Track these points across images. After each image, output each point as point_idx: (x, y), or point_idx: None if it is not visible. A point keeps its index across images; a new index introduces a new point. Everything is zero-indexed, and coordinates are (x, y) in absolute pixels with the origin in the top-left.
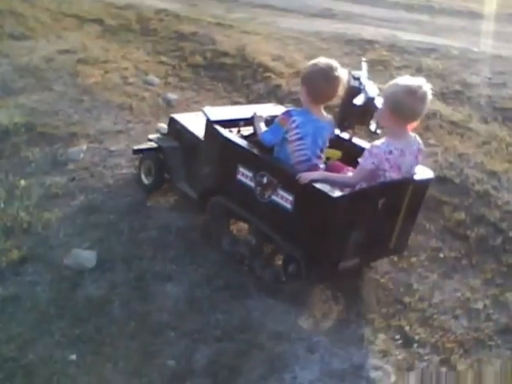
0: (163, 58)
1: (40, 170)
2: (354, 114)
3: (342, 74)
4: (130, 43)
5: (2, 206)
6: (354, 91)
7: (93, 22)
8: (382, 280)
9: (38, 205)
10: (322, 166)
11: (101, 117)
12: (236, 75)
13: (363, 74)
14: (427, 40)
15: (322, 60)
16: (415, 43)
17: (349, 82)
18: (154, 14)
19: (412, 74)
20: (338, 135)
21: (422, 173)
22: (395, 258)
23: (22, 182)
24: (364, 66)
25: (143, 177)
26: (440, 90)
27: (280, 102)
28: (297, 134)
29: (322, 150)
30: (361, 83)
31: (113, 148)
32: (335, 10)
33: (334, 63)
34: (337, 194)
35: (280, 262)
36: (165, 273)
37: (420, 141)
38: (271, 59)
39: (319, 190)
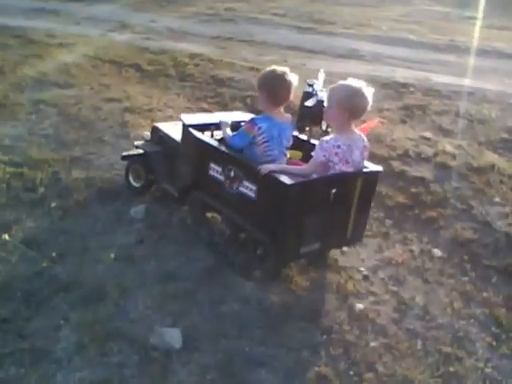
0: (204, 105)
1: (107, 230)
2: (307, 115)
3: (294, 78)
4: (169, 90)
5: (76, 271)
6: (308, 96)
7: (130, 68)
8: (486, 369)
9: (112, 270)
10: (285, 159)
11: None
12: None
13: (318, 82)
14: (460, 82)
15: (276, 68)
16: (449, 86)
17: (304, 88)
18: (188, 59)
19: (453, 120)
20: (297, 137)
21: (370, 167)
22: (494, 342)
23: (93, 244)
24: (321, 76)
25: (132, 180)
26: (487, 139)
27: None
28: (263, 138)
29: (287, 148)
30: (314, 89)
31: (174, 205)
32: (362, 51)
33: (286, 69)
34: (290, 181)
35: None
36: (255, 356)
37: (365, 138)
38: None
39: (276, 178)
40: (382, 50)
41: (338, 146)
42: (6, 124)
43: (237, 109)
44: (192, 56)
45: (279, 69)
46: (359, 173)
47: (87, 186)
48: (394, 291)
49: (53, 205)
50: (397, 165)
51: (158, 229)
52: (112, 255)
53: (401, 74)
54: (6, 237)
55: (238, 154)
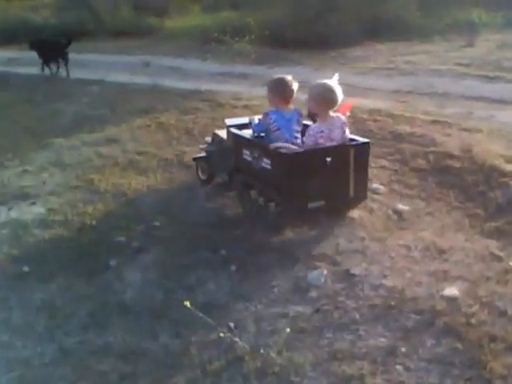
0: (384, 162)
1: (283, 296)
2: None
3: (295, 83)
4: None
5: (252, 341)
6: None
7: None
8: None
9: (287, 342)
10: (299, 141)
11: (334, 233)
12: (466, 181)
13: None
14: None
15: (282, 75)
16: None
17: None
18: (367, 115)
19: None
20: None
21: (360, 140)
22: None
23: (269, 312)
24: (335, 77)
25: (200, 175)
26: None
27: None
28: (274, 126)
29: (297, 131)
30: None
31: (353, 271)
32: None
33: (290, 77)
34: (289, 152)
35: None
36: None
37: (342, 117)
38: (504, 161)
39: (279, 151)
40: None
41: (321, 131)
42: (197, 185)
43: (419, 166)
44: (371, 112)
45: (286, 76)
46: (350, 146)
47: (268, 250)
48: None
49: (233, 268)
50: None
51: (335, 298)
52: (288, 329)
53: None
54: (188, 304)
55: (257, 140)
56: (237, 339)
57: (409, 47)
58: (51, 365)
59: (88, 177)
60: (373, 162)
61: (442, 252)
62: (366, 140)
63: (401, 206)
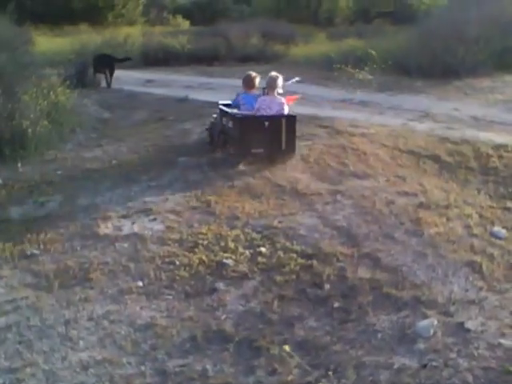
0: (509, 204)
1: (387, 344)
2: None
3: (258, 77)
4: (469, 184)
5: None
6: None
7: (428, 159)
8: None
9: None
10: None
11: (447, 279)
12: None
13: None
14: None
15: (248, 72)
16: None
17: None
18: (492, 150)
19: None
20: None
21: (290, 114)
22: None
23: (369, 359)
24: (294, 79)
25: (207, 138)
26: None
27: None
28: (243, 102)
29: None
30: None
31: (468, 325)
32: None
33: (253, 72)
34: (238, 116)
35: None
36: None
37: (283, 99)
38: None
39: (237, 116)
40: None
41: (264, 100)
42: (304, 213)
43: None
44: (496, 147)
45: (252, 72)
46: (282, 116)
47: (372, 289)
48: None
49: (336, 305)
50: None
51: (445, 353)
52: (389, 378)
53: None
54: (286, 348)
55: (228, 111)
56: None
57: None
58: None
59: (206, 198)
60: (495, 203)
61: None
62: (293, 114)
63: None
